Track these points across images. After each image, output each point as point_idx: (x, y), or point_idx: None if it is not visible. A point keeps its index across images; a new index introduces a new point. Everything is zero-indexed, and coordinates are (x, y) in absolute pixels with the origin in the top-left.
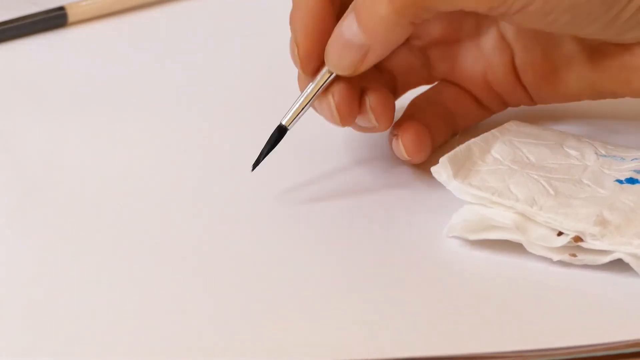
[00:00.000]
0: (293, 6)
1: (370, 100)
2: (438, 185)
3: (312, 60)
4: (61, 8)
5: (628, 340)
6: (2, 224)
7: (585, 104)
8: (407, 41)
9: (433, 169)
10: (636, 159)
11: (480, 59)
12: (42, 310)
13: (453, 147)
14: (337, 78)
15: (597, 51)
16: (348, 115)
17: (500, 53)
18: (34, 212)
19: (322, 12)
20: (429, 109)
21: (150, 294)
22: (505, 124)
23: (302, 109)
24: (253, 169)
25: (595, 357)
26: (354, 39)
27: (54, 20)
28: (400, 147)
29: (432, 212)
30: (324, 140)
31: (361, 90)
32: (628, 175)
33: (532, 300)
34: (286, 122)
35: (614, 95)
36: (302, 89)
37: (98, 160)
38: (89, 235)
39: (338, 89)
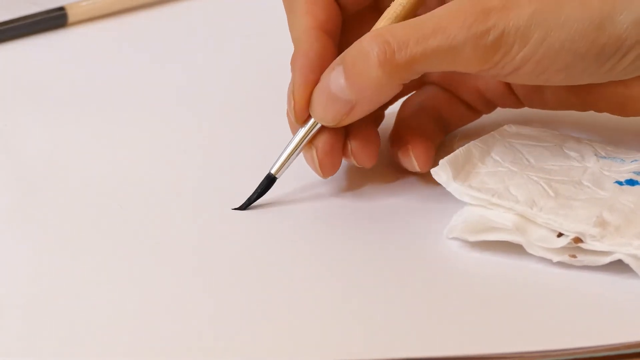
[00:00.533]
0: (295, 50)
1: (352, 146)
2: (438, 186)
3: (306, 113)
4: (61, 8)
5: (628, 342)
6: (1, 223)
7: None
8: None
9: (433, 171)
10: (636, 160)
11: None
12: (42, 311)
13: (453, 149)
14: (323, 127)
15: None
16: (330, 168)
17: None
18: (34, 212)
19: (322, 61)
20: (422, 113)
21: (150, 294)
22: (504, 126)
23: (290, 158)
24: (241, 210)
25: (595, 357)
26: (340, 93)
27: (54, 20)
28: (413, 162)
29: (432, 214)
30: None
31: (345, 134)
32: (628, 176)
33: (532, 301)
34: (275, 171)
35: (603, 112)
36: (293, 132)
37: (98, 160)
38: (89, 235)
39: (322, 140)
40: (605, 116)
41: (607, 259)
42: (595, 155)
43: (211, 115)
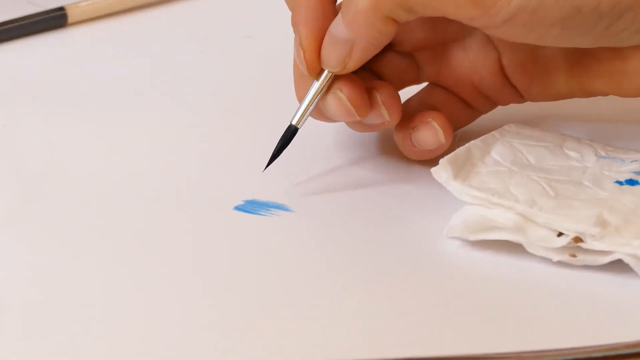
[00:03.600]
0: (294, 9)
1: (381, 95)
2: (438, 186)
3: (318, 63)
4: (61, 8)
5: (628, 342)
6: (1, 223)
7: (584, 106)
8: (393, 46)
9: (433, 170)
10: (636, 160)
11: (467, 61)
12: (41, 311)
13: (453, 149)
14: (339, 76)
15: (586, 54)
16: (362, 105)
17: (487, 55)
18: (34, 212)
19: (324, 10)
20: (422, 109)
21: (150, 294)
22: (504, 126)
23: (310, 107)
24: (265, 169)
25: (595, 357)
26: (340, 34)
27: (54, 20)
28: (439, 132)
29: (432, 213)
30: (322, 140)
31: (367, 89)
32: (628, 176)
33: (532, 301)
34: (296, 122)
35: (605, 95)
36: (299, 90)
37: (98, 160)
38: (89, 235)
39: (343, 84)
40: (605, 116)
41: (607, 259)
42: (596, 155)
43: (211, 115)
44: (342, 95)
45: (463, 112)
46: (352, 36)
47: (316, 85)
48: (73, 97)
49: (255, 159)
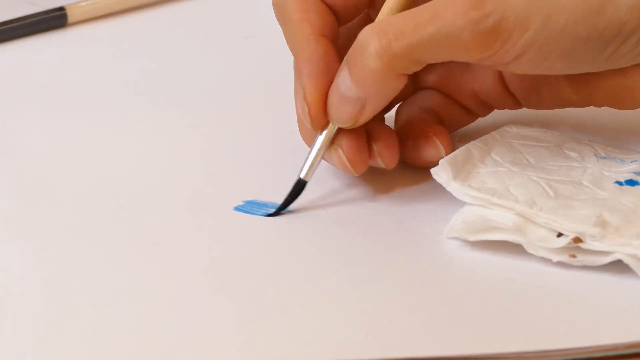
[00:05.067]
0: (296, 56)
1: (377, 146)
2: (438, 186)
3: (323, 118)
4: (61, 8)
5: (628, 342)
6: (1, 223)
7: (584, 107)
8: None
9: (433, 171)
10: (636, 161)
11: (467, 72)
12: (41, 311)
13: (452, 149)
14: (340, 131)
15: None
16: (359, 163)
17: (488, 66)
18: (34, 212)
19: (328, 65)
20: (423, 114)
21: (149, 294)
22: (504, 127)
23: (317, 159)
24: (273, 216)
25: (595, 357)
26: (349, 93)
27: (54, 20)
28: (440, 148)
29: (432, 213)
30: None
31: (367, 138)
32: (628, 177)
33: (532, 301)
34: (304, 175)
35: (604, 106)
36: (305, 138)
37: (98, 160)
38: (89, 235)
39: (345, 140)
40: (605, 117)
41: (607, 259)
42: (595, 155)
43: (211, 115)
44: (341, 154)
45: (461, 116)
46: (362, 95)
47: (321, 139)
48: (73, 97)
49: (255, 159)
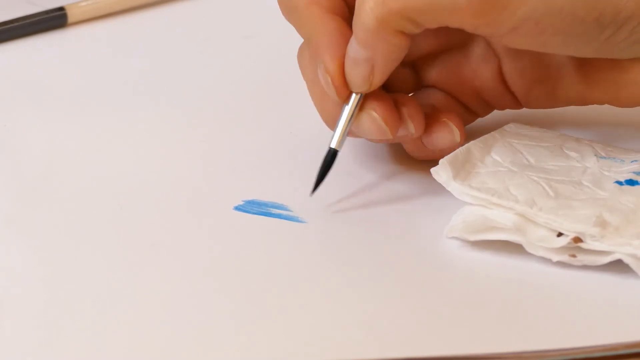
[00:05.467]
0: (312, 38)
1: (406, 110)
2: (438, 186)
3: (347, 86)
4: (61, 8)
5: (628, 342)
6: (1, 223)
7: (584, 107)
8: None
9: (433, 170)
10: (635, 160)
11: (468, 68)
12: (41, 311)
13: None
14: (370, 95)
15: (585, 64)
16: (394, 123)
17: (488, 62)
18: (34, 212)
19: (343, 35)
20: (425, 109)
21: (149, 294)
22: (504, 126)
23: (346, 128)
24: (312, 194)
25: (595, 357)
26: (357, 55)
27: (54, 20)
28: (454, 131)
29: (432, 213)
30: (321, 141)
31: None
32: (628, 176)
33: (532, 301)
34: (335, 144)
35: (602, 103)
36: (324, 110)
37: (98, 160)
38: (89, 235)
39: (376, 103)
40: (605, 117)
41: (607, 259)
42: (595, 155)
43: (211, 115)
44: (376, 116)
45: (462, 115)
46: (370, 55)
47: (348, 108)
48: (73, 97)
49: (255, 159)
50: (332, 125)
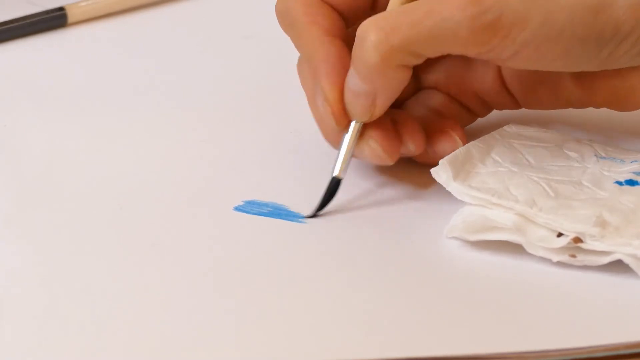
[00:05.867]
0: (312, 60)
1: (405, 131)
2: (438, 186)
3: (346, 115)
4: (61, 8)
5: (628, 342)
6: (1, 223)
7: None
8: None
9: (433, 171)
10: (635, 161)
11: (467, 70)
12: (42, 311)
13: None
14: (368, 123)
15: (585, 72)
16: (393, 150)
17: (488, 65)
18: (34, 212)
19: (343, 62)
20: (426, 113)
21: (151, 295)
22: (505, 127)
23: (348, 156)
24: (311, 217)
25: (595, 357)
26: (358, 88)
27: (54, 20)
28: (457, 141)
29: (432, 213)
30: (322, 141)
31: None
32: (627, 177)
33: (532, 301)
34: (338, 173)
35: (602, 107)
36: (329, 139)
37: (98, 160)
38: (89, 235)
39: (375, 132)
40: (605, 117)
41: (607, 259)
42: (595, 155)
43: (211, 115)
44: (375, 146)
45: (462, 116)
46: (370, 89)
47: (348, 137)
48: (73, 97)
49: (255, 159)
50: (331, 141)
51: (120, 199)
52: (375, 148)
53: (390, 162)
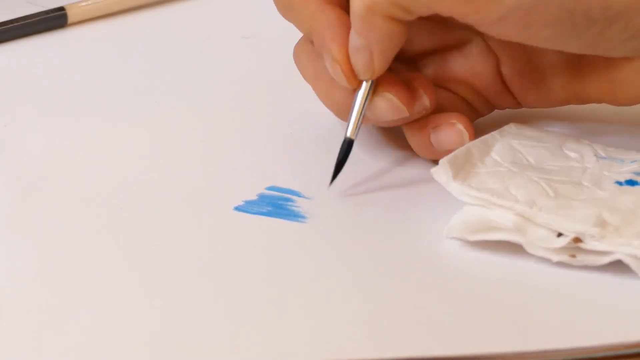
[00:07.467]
0: (315, 31)
1: (418, 85)
2: (438, 186)
3: (355, 74)
4: (61, 8)
5: (628, 342)
6: (1, 223)
7: (584, 107)
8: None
9: (433, 171)
10: (635, 161)
11: (467, 67)
12: (42, 311)
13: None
14: (382, 80)
15: (582, 62)
16: (410, 101)
17: (486, 61)
18: (34, 212)
19: (346, 23)
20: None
21: (151, 294)
22: (505, 127)
23: (360, 116)
24: (330, 185)
25: (595, 357)
26: (356, 43)
27: (54, 20)
28: (464, 133)
29: (432, 213)
30: (321, 141)
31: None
32: (627, 177)
33: (532, 301)
34: (350, 133)
35: (599, 102)
36: (332, 101)
37: (98, 160)
38: (89, 235)
39: (389, 85)
40: (605, 116)
41: (607, 259)
42: (595, 155)
43: (211, 115)
44: (391, 97)
45: (464, 113)
46: (366, 42)
47: (360, 94)
48: (73, 97)
49: (254, 159)
50: (343, 115)
51: (120, 199)
52: (391, 99)
53: (407, 113)
